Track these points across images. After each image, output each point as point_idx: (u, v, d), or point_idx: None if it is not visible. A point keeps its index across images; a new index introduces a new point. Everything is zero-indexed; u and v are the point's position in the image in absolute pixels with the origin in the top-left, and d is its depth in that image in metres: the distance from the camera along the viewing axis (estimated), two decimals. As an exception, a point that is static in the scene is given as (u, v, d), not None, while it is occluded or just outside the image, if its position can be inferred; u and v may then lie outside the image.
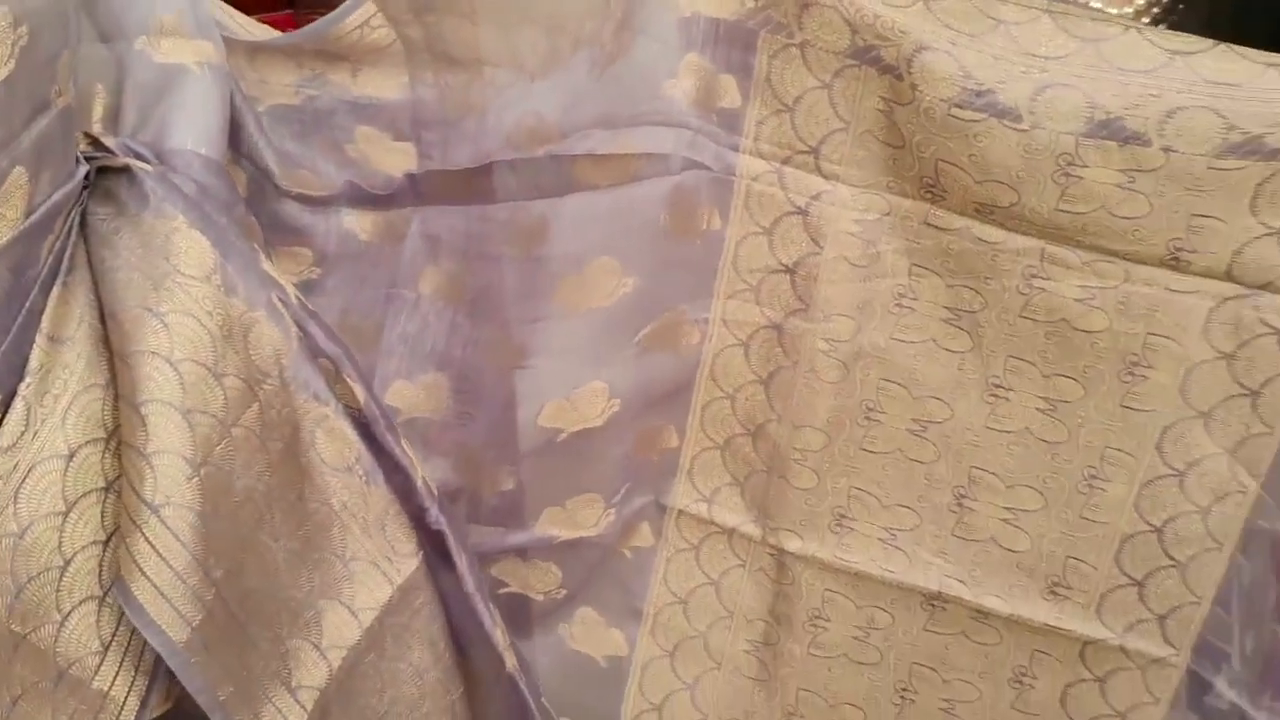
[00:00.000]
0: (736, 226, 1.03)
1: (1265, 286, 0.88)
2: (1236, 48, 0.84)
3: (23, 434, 0.70)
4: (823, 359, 1.03)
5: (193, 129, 0.81)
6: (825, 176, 0.99)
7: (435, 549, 0.93)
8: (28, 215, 0.71)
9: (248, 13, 0.94)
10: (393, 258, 1.00)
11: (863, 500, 1.07)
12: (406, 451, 0.89)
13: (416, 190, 0.98)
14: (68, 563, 0.72)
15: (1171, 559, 0.97)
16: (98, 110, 0.81)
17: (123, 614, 0.74)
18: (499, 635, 0.99)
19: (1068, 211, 0.90)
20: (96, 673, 0.73)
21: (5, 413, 0.70)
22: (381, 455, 0.88)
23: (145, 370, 0.74)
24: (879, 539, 1.07)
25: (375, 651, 0.90)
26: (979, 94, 0.88)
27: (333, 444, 0.84)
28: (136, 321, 0.74)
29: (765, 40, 0.95)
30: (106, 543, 0.74)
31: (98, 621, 0.73)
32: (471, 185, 0.97)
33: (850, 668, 1.12)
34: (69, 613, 0.72)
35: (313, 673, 0.86)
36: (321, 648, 0.86)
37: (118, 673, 0.74)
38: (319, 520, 0.84)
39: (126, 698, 0.75)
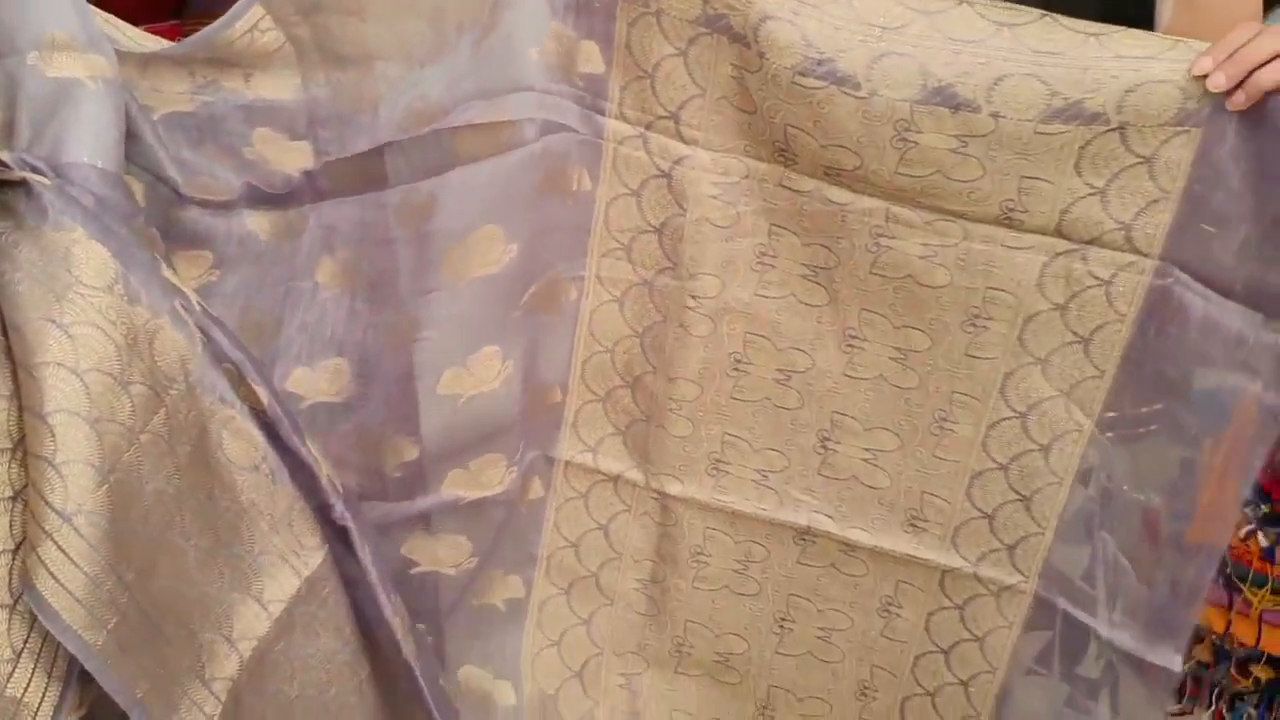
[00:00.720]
0: (606, 187, 1.07)
1: (1092, 241, 0.95)
2: (1061, 19, 0.90)
3: (-74, 448, 0.71)
4: (691, 315, 1.08)
5: (88, 142, 0.81)
6: (686, 142, 1.03)
7: (340, 542, 0.95)
8: (-76, 232, 0.72)
9: (133, 23, 0.95)
10: (291, 254, 1.01)
11: (735, 445, 1.12)
12: (311, 450, 0.90)
13: (314, 186, 0.99)
14: (-23, 573, 0.72)
15: (1017, 493, 1.04)
16: None
17: (34, 622, 0.74)
18: (398, 623, 1.00)
19: (907, 175, 0.95)
20: (9, 680, 0.73)
21: (-91, 427, 0.71)
22: (286, 454, 0.89)
23: (51, 381, 0.73)
24: (752, 480, 1.12)
25: (285, 640, 0.91)
26: (819, 62, 0.93)
27: (239, 444, 0.85)
28: (39, 333, 0.74)
29: (623, 8, 0.99)
30: (15, 551, 0.73)
31: (9, 630, 0.73)
32: (367, 174, 0.99)
33: (732, 599, 1.18)
34: (-21, 622, 0.73)
35: (225, 664, 0.87)
36: (232, 640, 0.87)
37: (30, 680, 0.74)
38: (229, 518, 0.85)
39: (40, 704, 0.75)
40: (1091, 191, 0.93)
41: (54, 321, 0.75)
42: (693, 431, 1.12)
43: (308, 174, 0.98)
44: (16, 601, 0.73)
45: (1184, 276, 0.93)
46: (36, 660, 0.75)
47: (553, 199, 1.06)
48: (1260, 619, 2.02)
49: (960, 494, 1.06)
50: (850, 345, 1.05)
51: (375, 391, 1.06)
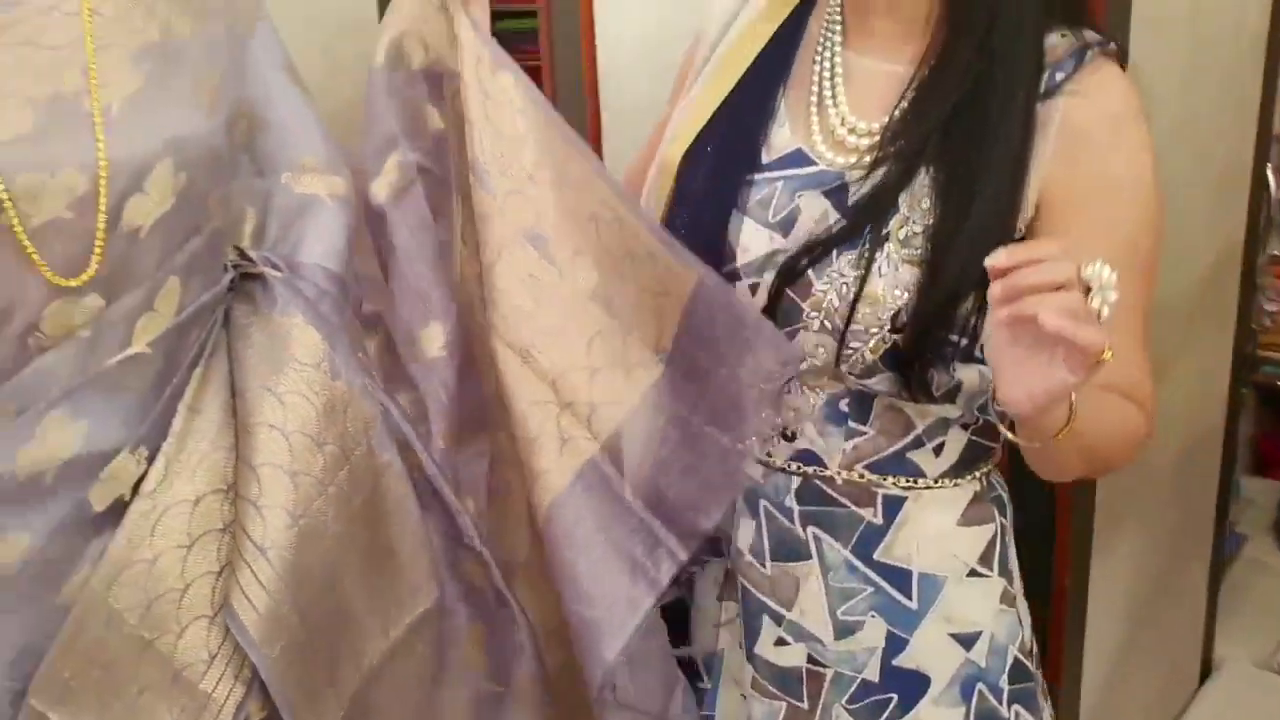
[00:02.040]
0: None
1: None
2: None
3: (161, 482, 0.86)
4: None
5: (319, 246, 0.96)
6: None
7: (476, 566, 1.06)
8: (178, 313, 0.88)
9: None
10: None
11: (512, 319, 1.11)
12: (454, 500, 1.02)
13: None
14: (188, 586, 0.87)
15: None
16: (248, 228, 0.97)
17: (228, 632, 0.88)
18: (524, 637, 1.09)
19: None
20: (204, 677, 0.87)
21: (150, 466, 0.88)
22: (433, 503, 1.01)
23: (262, 438, 0.88)
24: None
25: (397, 659, 1.01)
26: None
27: (399, 494, 0.97)
28: (258, 399, 0.89)
29: None
30: (219, 573, 0.88)
31: (208, 636, 0.87)
32: None
33: None
34: (186, 626, 0.86)
35: (351, 680, 0.97)
36: (359, 659, 0.97)
37: (220, 679, 0.88)
38: (381, 556, 0.97)
39: (226, 701, 0.88)
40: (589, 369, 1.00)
41: (270, 390, 0.90)
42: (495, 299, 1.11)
43: None
44: (216, 614, 0.88)
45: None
46: (227, 665, 0.88)
47: None
48: None
49: None
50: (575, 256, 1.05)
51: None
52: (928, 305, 0.87)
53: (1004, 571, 1.00)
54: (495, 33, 1.17)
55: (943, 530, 0.98)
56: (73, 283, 0.83)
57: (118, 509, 0.86)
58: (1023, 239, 0.89)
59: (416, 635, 1.00)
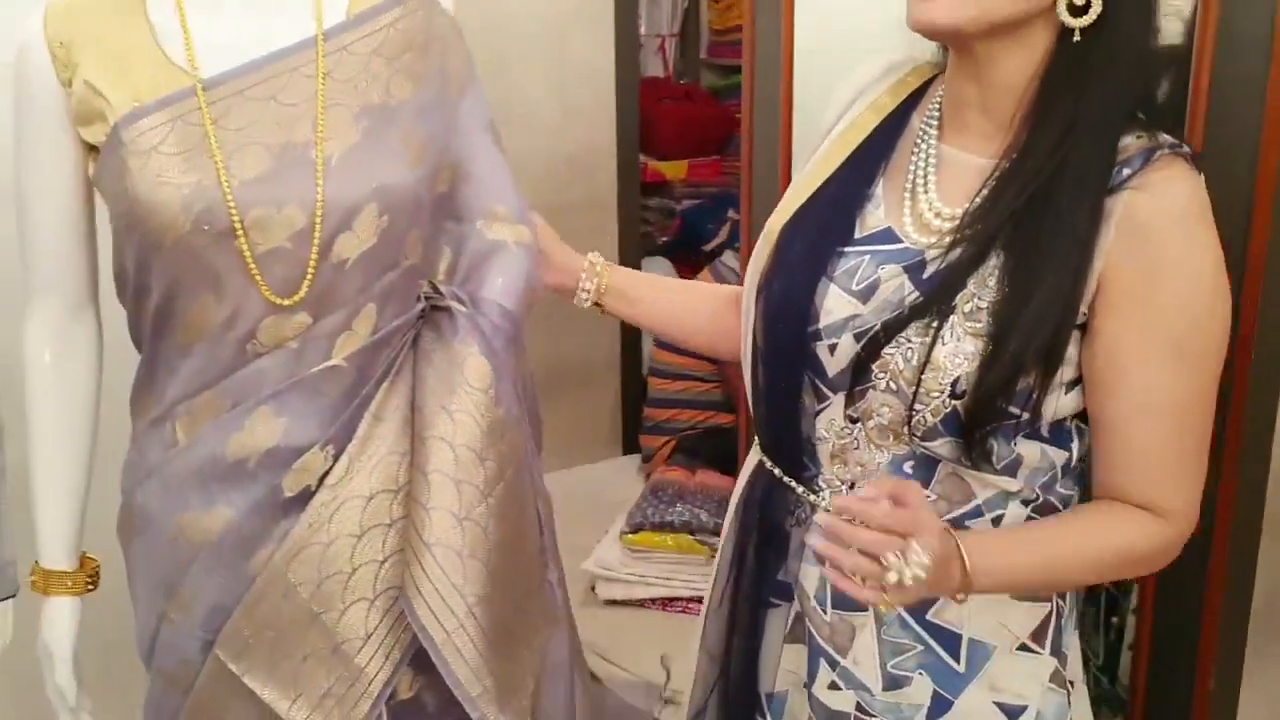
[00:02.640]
0: None
1: None
2: None
3: (343, 478, 0.98)
4: None
5: (500, 286, 1.06)
6: None
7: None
8: (373, 334, 1.00)
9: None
10: None
11: None
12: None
13: None
14: (354, 571, 0.98)
15: None
16: (442, 266, 1.08)
17: (384, 614, 0.98)
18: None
19: None
20: (359, 653, 0.98)
21: (335, 462, 1.00)
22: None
23: (434, 449, 0.99)
24: None
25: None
26: None
27: (536, 528, 1.06)
28: (434, 414, 1.00)
29: None
30: (383, 563, 0.99)
31: (366, 617, 0.98)
32: None
33: None
34: (349, 606, 0.98)
35: (528, 683, 1.07)
36: (527, 671, 1.06)
37: (373, 656, 0.99)
38: (531, 569, 1.06)
39: (375, 676, 0.99)
40: None
41: (444, 408, 1.00)
42: None
43: None
44: (376, 598, 0.99)
45: None
46: (380, 645, 0.99)
47: None
48: None
49: None
50: None
51: None
52: (989, 376, 0.91)
53: (1056, 652, 1.00)
54: (727, 86, 1.20)
55: (996, 600, 0.98)
56: (286, 302, 0.96)
57: (304, 496, 0.98)
58: (1085, 324, 0.92)
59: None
